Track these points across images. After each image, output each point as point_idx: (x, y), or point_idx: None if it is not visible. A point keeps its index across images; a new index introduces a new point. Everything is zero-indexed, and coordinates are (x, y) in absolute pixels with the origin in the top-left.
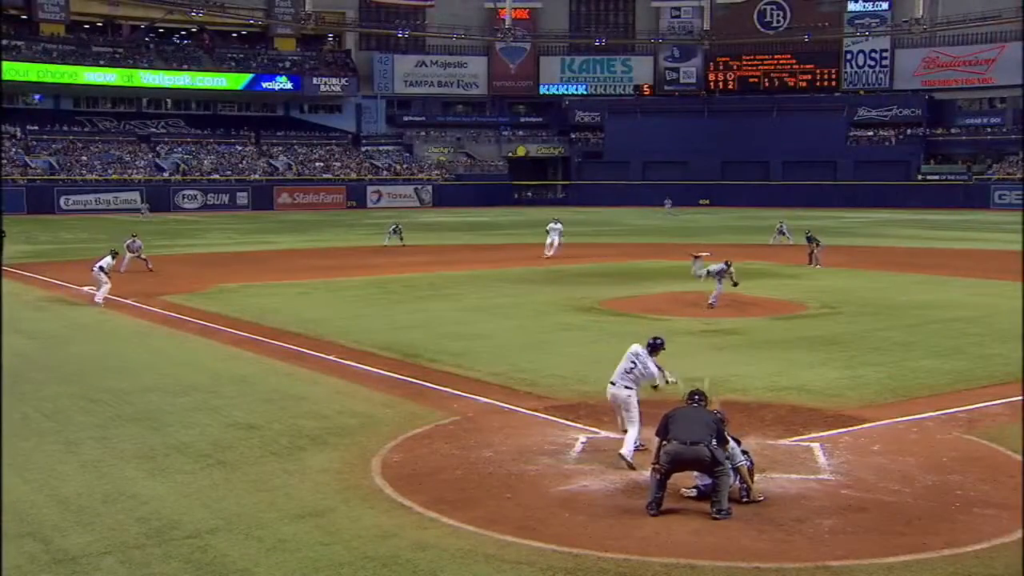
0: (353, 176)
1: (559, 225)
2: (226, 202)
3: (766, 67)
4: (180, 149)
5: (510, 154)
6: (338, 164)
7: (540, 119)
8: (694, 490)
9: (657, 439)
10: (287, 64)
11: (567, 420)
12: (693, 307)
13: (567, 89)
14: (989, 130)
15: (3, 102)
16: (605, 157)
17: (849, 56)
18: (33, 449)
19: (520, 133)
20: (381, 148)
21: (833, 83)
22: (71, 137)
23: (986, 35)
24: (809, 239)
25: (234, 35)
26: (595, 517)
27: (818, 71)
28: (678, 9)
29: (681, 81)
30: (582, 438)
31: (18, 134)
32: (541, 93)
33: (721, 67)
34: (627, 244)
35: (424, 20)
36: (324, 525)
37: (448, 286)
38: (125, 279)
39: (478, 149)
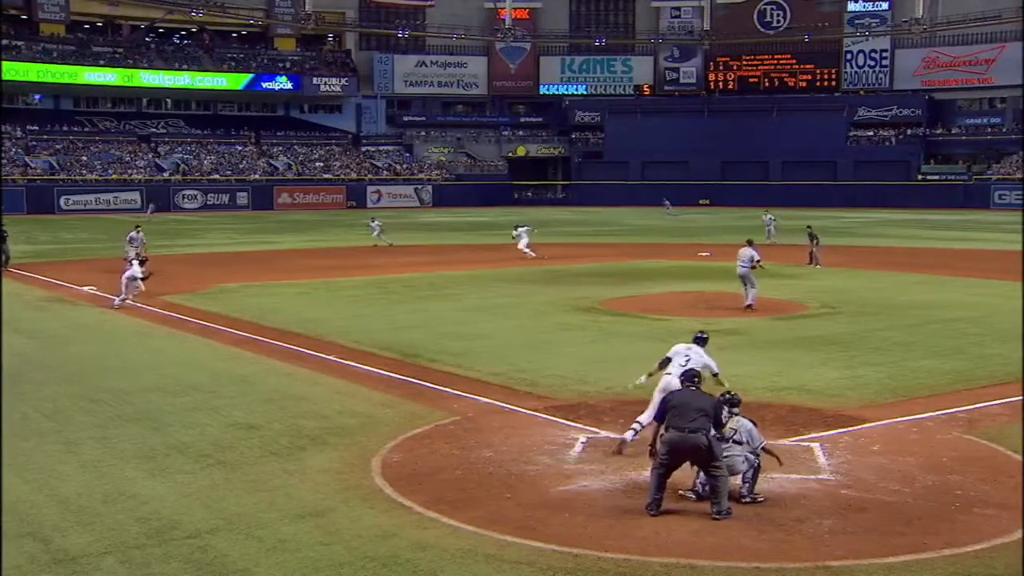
0: (353, 176)
1: (525, 228)
2: (226, 202)
3: (766, 67)
4: (180, 149)
5: (510, 154)
6: (338, 164)
7: (540, 119)
8: (692, 494)
9: (655, 424)
10: (287, 64)
11: (567, 420)
12: (693, 307)
13: (567, 89)
14: (989, 130)
15: (3, 102)
16: (605, 157)
17: (849, 56)
18: (33, 449)
19: (520, 133)
20: (381, 148)
21: (833, 83)
22: (71, 137)
23: (986, 35)
24: (811, 236)
25: (234, 35)
26: (595, 517)
27: (818, 71)
28: (678, 9)
29: (681, 81)
30: (582, 438)
31: (18, 134)
32: (541, 93)
33: (721, 67)
34: (627, 244)
35: (424, 20)
36: (324, 525)
37: (448, 286)
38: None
39: (478, 149)
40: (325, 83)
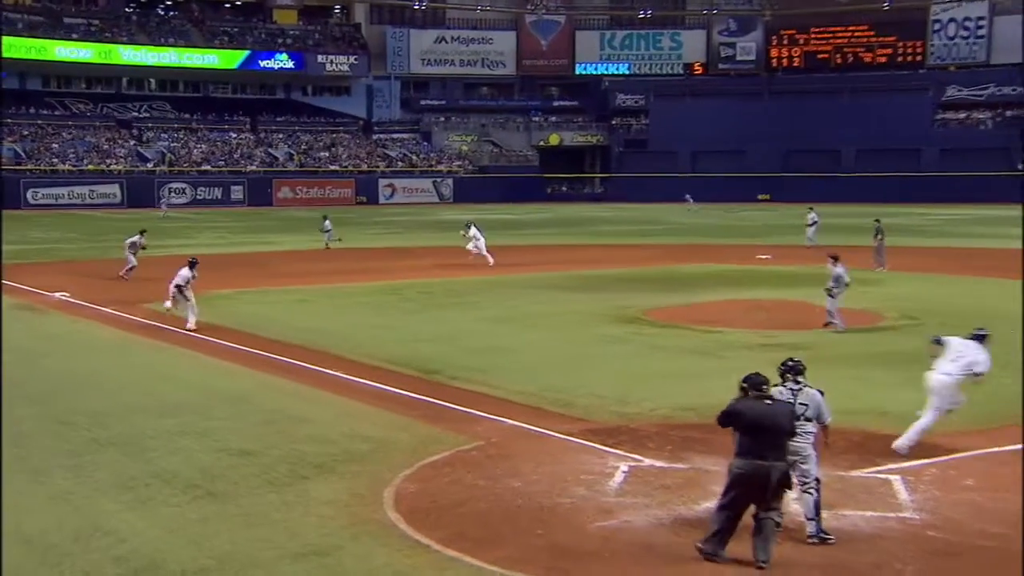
0: (363, 168)
1: (476, 231)
2: (219, 197)
3: (838, 41)
4: (166, 136)
5: (541, 143)
6: (346, 154)
7: (575, 103)
8: (815, 537)
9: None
10: (288, 40)
11: (606, 446)
12: (750, 317)
13: (607, 69)
14: None
15: None
16: (650, 146)
17: (938, 26)
18: None
19: (553, 119)
20: (395, 136)
21: (918, 58)
22: (40, 122)
23: None
24: (877, 231)
25: (227, 6)
26: (638, 558)
27: (900, 44)
28: None
29: (738, 58)
30: (623, 467)
31: None
32: (577, 73)
33: (785, 41)
34: (674, 245)
35: None
36: (330, 565)
37: (470, 293)
38: (107, 285)
39: (505, 137)
40: (331, 62)
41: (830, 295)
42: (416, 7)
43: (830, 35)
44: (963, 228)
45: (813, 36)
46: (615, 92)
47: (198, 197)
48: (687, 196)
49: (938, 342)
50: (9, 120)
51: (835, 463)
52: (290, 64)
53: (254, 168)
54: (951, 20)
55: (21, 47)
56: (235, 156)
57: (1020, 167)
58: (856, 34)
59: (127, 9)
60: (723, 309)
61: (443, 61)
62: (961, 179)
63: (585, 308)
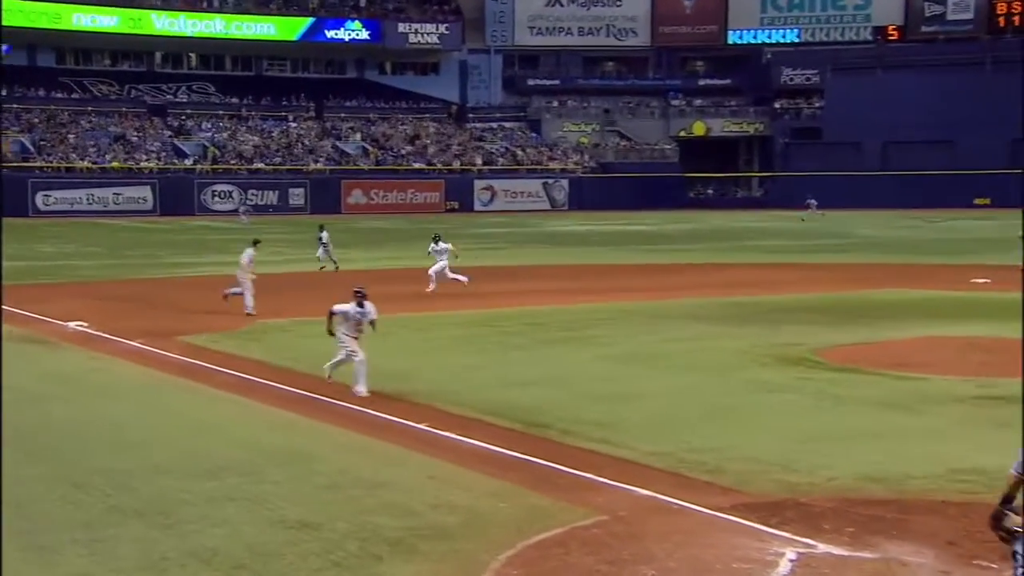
0: (455, 166)
1: (444, 245)
2: (274, 202)
3: None
4: (209, 126)
5: (682, 133)
6: (433, 148)
7: (728, 81)
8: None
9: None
10: (362, 3)
11: (767, 526)
12: (962, 360)
13: (769, 36)
14: None
15: None
16: (825, 136)
17: None
18: None
19: (698, 102)
20: (495, 125)
21: None
22: (52, 107)
23: None
24: None
25: None
26: None
27: None
28: None
29: (948, 18)
30: (790, 553)
31: None
32: (730, 43)
33: None
34: (858, 265)
35: None
36: None
37: (590, 325)
38: (133, 311)
39: (636, 126)
40: (415, 31)
41: None
42: None
43: None
44: None
45: None
46: (780, 67)
47: (248, 202)
48: (810, 200)
49: None
50: (15, 105)
51: None
52: (364, 34)
53: (318, 166)
54: None
55: (30, 13)
56: (295, 151)
57: None
58: None
59: None
60: (924, 349)
61: (557, 29)
62: None
63: (737, 345)
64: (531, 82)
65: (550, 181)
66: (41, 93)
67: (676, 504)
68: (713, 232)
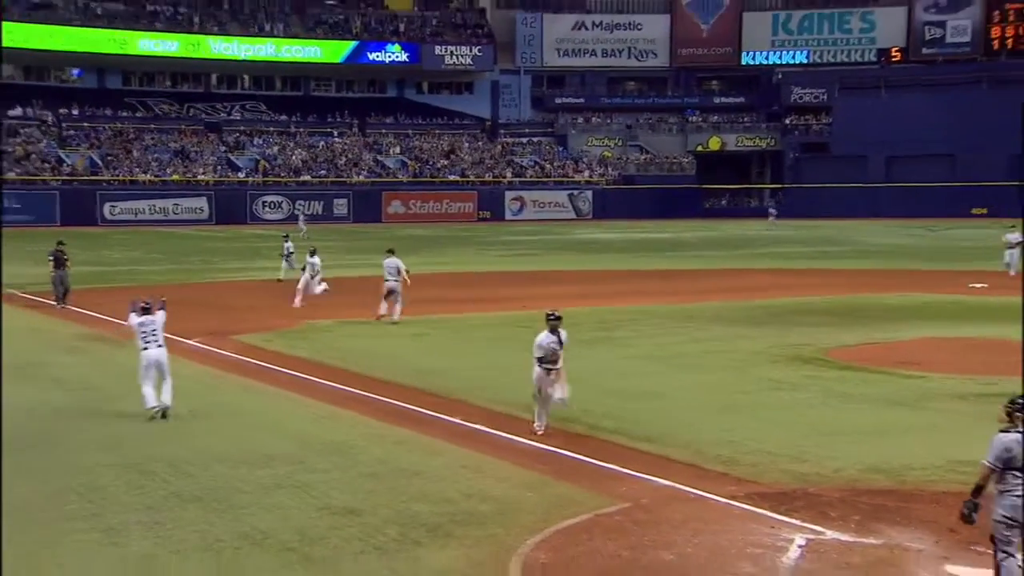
0: (487, 178)
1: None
2: (320, 212)
3: None
4: (260, 141)
5: (700, 148)
6: (468, 161)
7: (742, 99)
8: None
9: (988, 471)
10: (401, 28)
11: (778, 513)
12: (961, 359)
13: (780, 58)
14: None
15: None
16: (833, 150)
17: None
18: (62, 538)
19: (714, 119)
20: (525, 140)
21: None
22: (119, 125)
23: None
24: None
25: None
26: None
27: None
28: None
29: (948, 40)
30: (799, 539)
31: (50, 120)
32: (744, 64)
33: (1011, 17)
34: (864, 271)
35: None
36: None
37: (614, 327)
38: (194, 313)
39: (656, 141)
40: (451, 53)
41: None
42: None
43: None
44: None
45: None
46: (790, 86)
47: (296, 212)
48: (771, 210)
49: None
50: (85, 124)
51: None
52: (403, 56)
53: (361, 179)
54: None
55: (100, 40)
56: (339, 164)
57: None
58: None
59: None
60: (926, 349)
61: (582, 51)
62: None
63: (753, 346)
64: (558, 100)
65: (575, 192)
66: (108, 112)
67: (693, 493)
68: (728, 240)
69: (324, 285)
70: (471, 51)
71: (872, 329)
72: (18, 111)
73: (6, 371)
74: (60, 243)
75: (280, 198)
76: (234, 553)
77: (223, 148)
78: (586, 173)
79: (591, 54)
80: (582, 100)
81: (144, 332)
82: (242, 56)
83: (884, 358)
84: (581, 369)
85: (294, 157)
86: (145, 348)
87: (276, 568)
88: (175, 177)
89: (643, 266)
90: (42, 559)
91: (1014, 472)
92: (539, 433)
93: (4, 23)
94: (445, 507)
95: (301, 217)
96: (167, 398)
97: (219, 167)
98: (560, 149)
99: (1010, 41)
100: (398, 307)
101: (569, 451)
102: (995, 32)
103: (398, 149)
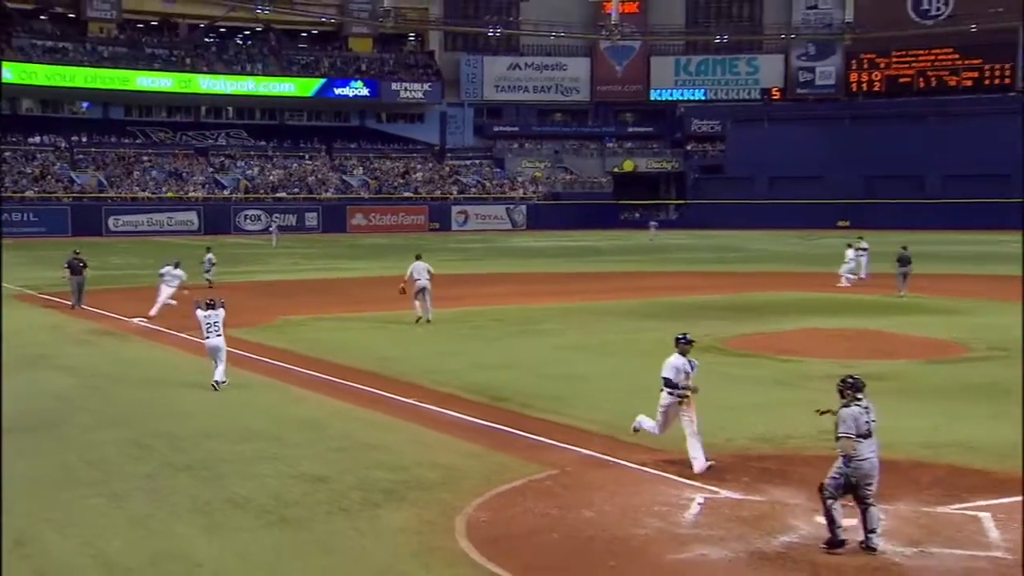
0: (436, 194)
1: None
2: (294, 223)
3: (921, 64)
4: (242, 163)
5: (616, 169)
6: (420, 180)
7: (650, 129)
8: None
9: (852, 441)
10: (363, 67)
11: (681, 477)
12: (832, 346)
13: (682, 94)
14: None
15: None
16: (726, 172)
17: None
18: (75, 502)
19: (628, 145)
20: (468, 162)
21: (1007, 80)
22: (121, 150)
23: None
24: (901, 259)
25: (304, 35)
26: None
27: (987, 67)
28: None
29: (817, 83)
30: (699, 497)
31: (63, 146)
32: (652, 99)
33: (866, 65)
34: (752, 273)
35: (518, 16)
36: None
37: (543, 320)
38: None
39: (579, 163)
40: (405, 89)
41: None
42: (490, 33)
43: (913, 59)
44: None
45: (895, 60)
46: (690, 118)
47: (273, 223)
48: (652, 223)
49: None
50: (93, 149)
51: (920, 498)
52: (365, 91)
53: (329, 195)
54: None
55: (105, 78)
56: (310, 183)
57: None
58: (940, 57)
59: (207, 39)
60: (803, 338)
61: (517, 87)
62: None
63: (661, 336)
64: (496, 129)
65: (512, 206)
66: (113, 139)
67: (611, 460)
68: (641, 247)
69: (173, 301)
70: (422, 87)
71: (760, 322)
72: (36, 138)
73: (25, 360)
74: (76, 252)
75: (259, 212)
76: (220, 515)
77: (211, 169)
78: (520, 190)
79: (524, 90)
80: (517, 129)
81: (208, 324)
82: (227, 91)
83: (769, 346)
84: (515, 357)
85: (271, 177)
86: (207, 337)
87: (256, 527)
88: (169, 194)
89: (569, 269)
90: (58, 519)
91: (859, 439)
92: (711, 464)
93: (26, 65)
94: (400, 474)
95: (273, 227)
96: (219, 375)
97: (207, 185)
98: (498, 170)
99: (865, 84)
100: (430, 305)
101: (505, 426)
102: (854, 77)
103: (361, 170)
